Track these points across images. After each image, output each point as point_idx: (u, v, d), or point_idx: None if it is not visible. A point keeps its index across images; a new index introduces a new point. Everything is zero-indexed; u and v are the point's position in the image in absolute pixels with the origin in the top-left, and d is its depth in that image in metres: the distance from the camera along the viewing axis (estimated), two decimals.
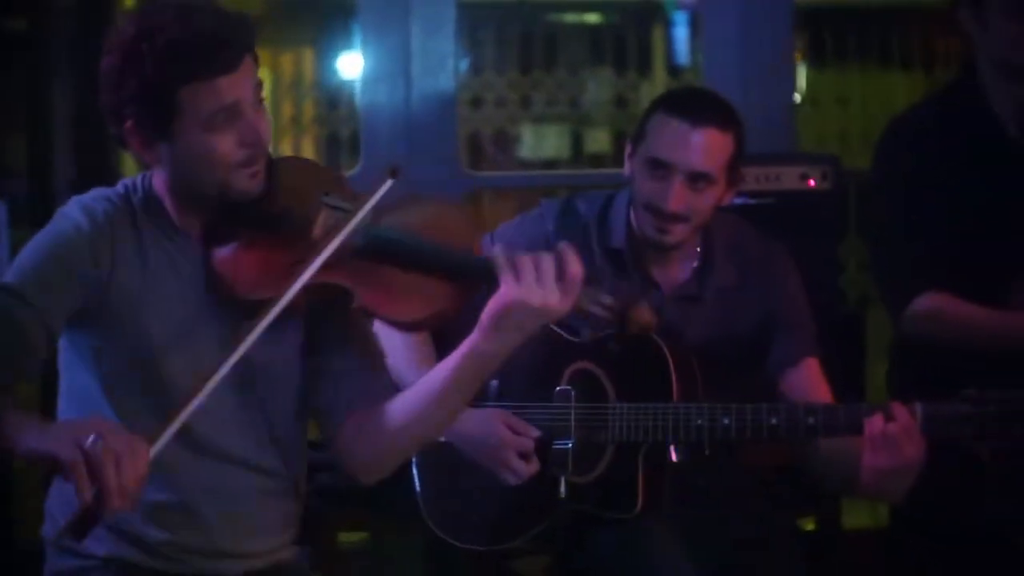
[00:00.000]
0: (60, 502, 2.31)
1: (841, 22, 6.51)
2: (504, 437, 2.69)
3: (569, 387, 2.73)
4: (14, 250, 3.23)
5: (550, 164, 7.00)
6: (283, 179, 2.27)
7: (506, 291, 2.11)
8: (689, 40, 6.87)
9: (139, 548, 2.28)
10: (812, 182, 3.55)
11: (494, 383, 2.77)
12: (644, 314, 2.22)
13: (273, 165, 2.26)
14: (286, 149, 6.10)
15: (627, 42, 6.82)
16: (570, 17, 7.19)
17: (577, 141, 7.08)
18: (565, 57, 6.74)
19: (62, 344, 2.29)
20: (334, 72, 6.60)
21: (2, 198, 3.51)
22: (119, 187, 2.33)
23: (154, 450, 2.01)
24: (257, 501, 2.33)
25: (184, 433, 2.24)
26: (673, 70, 6.91)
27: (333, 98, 6.39)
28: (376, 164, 3.88)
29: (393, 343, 2.55)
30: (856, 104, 6.46)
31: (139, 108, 2.18)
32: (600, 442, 2.71)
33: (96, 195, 2.30)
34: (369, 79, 3.89)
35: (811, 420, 2.57)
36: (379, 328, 2.37)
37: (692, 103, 2.78)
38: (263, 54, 2.31)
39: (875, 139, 3.18)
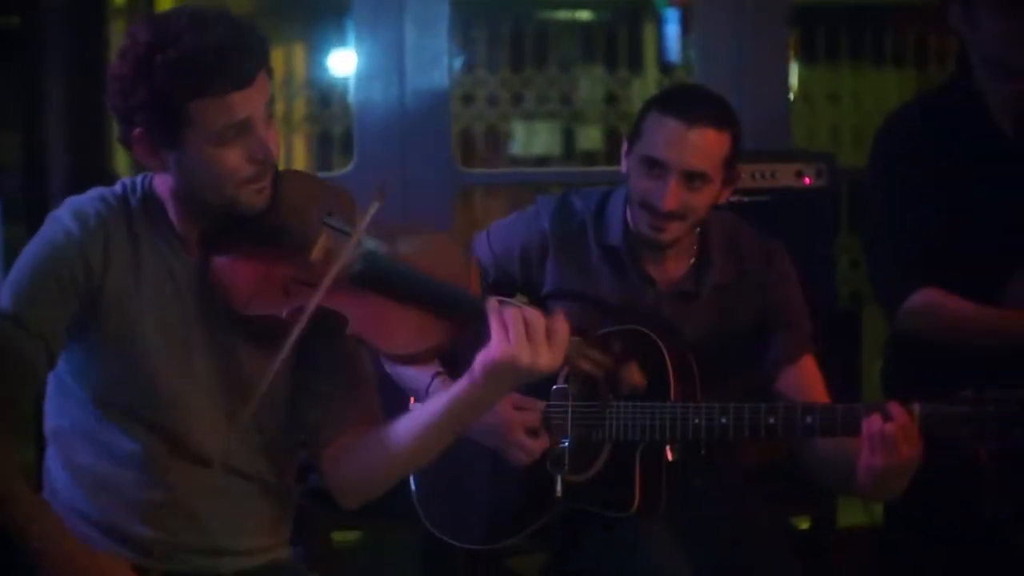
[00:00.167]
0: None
1: (833, 19, 6.51)
2: (509, 416, 2.69)
3: (566, 385, 2.73)
4: (8, 247, 3.23)
5: (542, 161, 6.99)
6: (287, 194, 2.26)
7: (496, 347, 2.13)
8: (680, 37, 6.86)
9: (131, 547, 2.28)
10: (808, 179, 3.55)
11: None
12: (634, 375, 2.26)
13: (278, 178, 2.24)
14: None
15: (618, 39, 6.81)
16: (562, 14, 7.18)
17: (569, 138, 7.07)
18: (556, 54, 6.73)
19: None
20: (325, 69, 6.58)
21: None
22: (117, 187, 2.31)
23: None
24: (248, 502, 2.33)
25: (174, 441, 2.24)
26: (664, 67, 6.90)
27: (324, 96, 6.38)
28: (370, 162, 3.87)
29: None
30: (848, 101, 6.46)
31: (148, 117, 2.15)
32: (597, 441, 2.71)
33: (91, 196, 2.28)
34: (363, 76, 3.88)
35: (809, 420, 2.57)
36: None
37: (688, 102, 2.78)
38: None
39: (867, 137, 3.19)
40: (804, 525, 3.65)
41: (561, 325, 2.16)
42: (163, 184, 2.27)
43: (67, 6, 3.47)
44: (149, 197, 2.29)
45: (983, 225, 3.05)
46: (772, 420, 2.59)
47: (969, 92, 3.10)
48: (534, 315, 2.15)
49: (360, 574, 3.83)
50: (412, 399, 2.76)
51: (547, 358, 2.14)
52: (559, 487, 2.68)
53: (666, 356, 2.69)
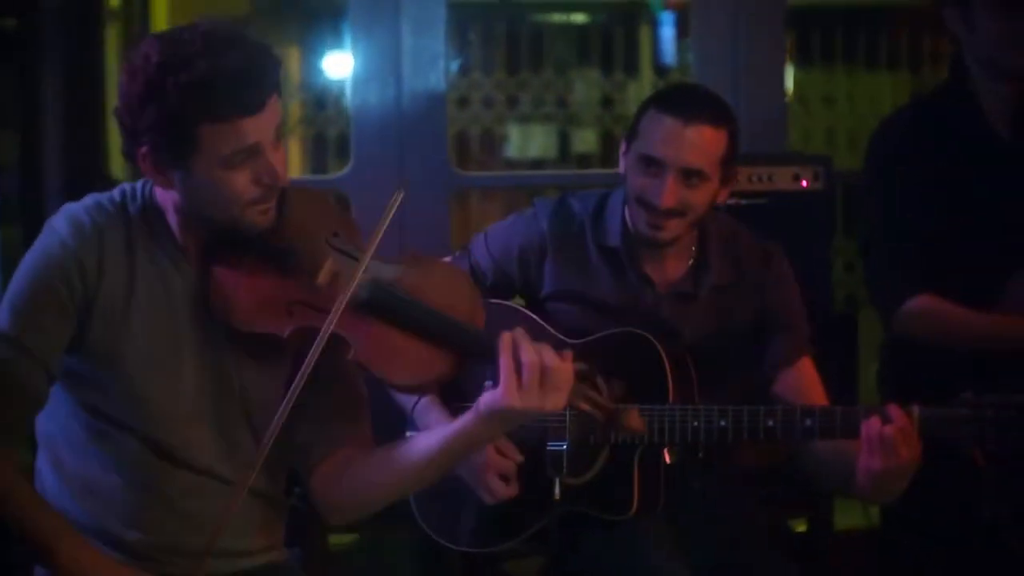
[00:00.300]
0: None
1: (828, 22, 6.53)
2: (488, 457, 2.68)
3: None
4: (5, 248, 3.22)
5: (537, 164, 7.00)
6: (293, 213, 2.23)
7: (507, 393, 2.13)
8: (676, 40, 6.87)
9: (123, 551, 2.26)
10: (805, 182, 3.55)
11: (488, 383, 2.76)
12: (635, 420, 2.26)
13: (284, 197, 2.22)
14: None
15: (614, 42, 6.83)
16: (557, 17, 7.18)
17: (564, 141, 7.08)
18: (552, 57, 6.74)
19: None
20: (320, 72, 6.58)
21: None
22: (115, 193, 2.29)
23: None
24: (241, 506, 2.31)
25: (164, 450, 2.23)
26: (660, 70, 6.91)
27: (320, 99, 6.38)
28: (366, 164, 3.86)
29: None
30: (843, 104, 6.48)
31: (156, 137, 2.12)
32: (595, 443, 2.70)
33: (88, 203, 2.26)
34: (359, 79, 3.87)
35: (808, 422, 2.57)
36: None
37: (684, 100, 2.78)
38: None
39: (862, 139, 3.20)
40: (801, 527, 3.65)
41: (568, 367, 2.15)
42: (165, 193, 2.24)
43: (63, 8, 3.47)
44: (149, 206, 2.26)
45: (980, 227, 3.05)
46: (771, 422, 2.59)
47: (964, 94, 3.11)
48: (552, 359, 2.13)
49: None
50: (407, 432, 2.75)
51: (554, 403, 2.15)
52: (557, 490, 2.69)
53: (664, 358, 2.68)
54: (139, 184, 2.30)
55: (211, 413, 2.26)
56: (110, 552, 2.25)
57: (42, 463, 2.32)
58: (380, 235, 2.17)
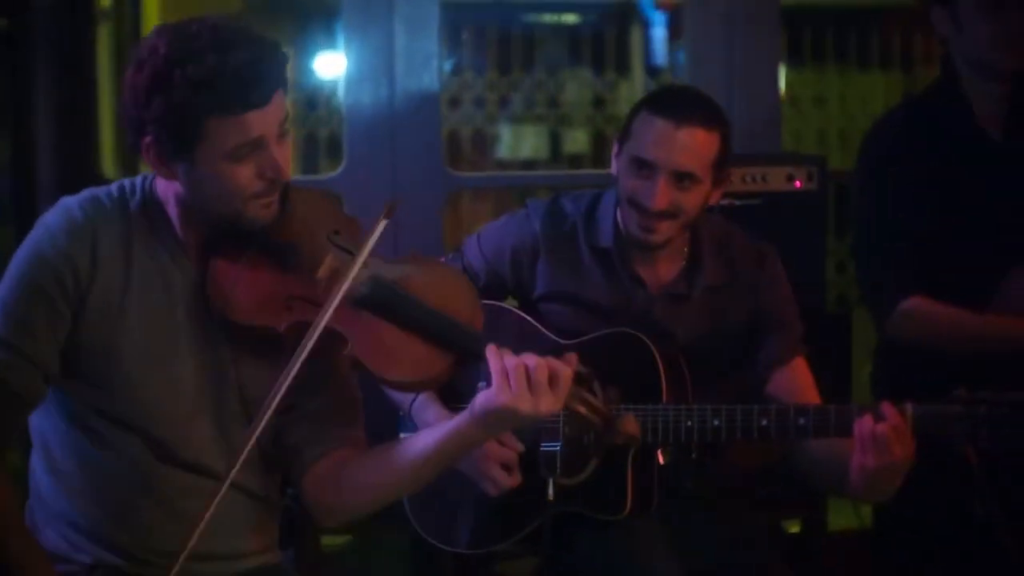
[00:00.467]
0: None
1: (819, 22, 6.53)
2: (488, 448, 2.68)
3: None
4: None
5: (528, 164, 7.00)
6: (295, 210, 2.24)
7: (498, 394, 2.14)
8: (667, 41, 6.88)
9: (117, 552, 2.26)
10: (798, 183, 3.56)
11: (482, 384, 2.75)
12: (630, 425, 2.27)
13: (287, 193, 2.23)
14: None
15: (605, 43, 6.83)
16: (548, 17, 7.18)
17: (555, 141, 7.08)
18: (543, 57, 6.74)
19: None
20: (311, 72, 6.58)
21: None
22: (114, 188, 2.28)
23: None
24: (234, 506, 2.30)
25: (158, 447, 2.23)
26: (651, 70, 6.91)
27: (311, 99, 6.37)
28: (359, 164, 3.86)
29: None
30: (834, 104, 6.48)
31: (161, 129, 2.13)
32: (589, 444, 2.70)
33: (83, 197, 2.25)
34: (352, 79, 3.86)
35: (801, 421, 2.57)
36: None
37: (677, 102, 2.77)
38: None
39: (854, 139, 3.21)
40: (795, 528, 3.65)
41: (566, 369, 2.16)
42: (165, 188, 2.25)
43: (55, 8, 3.47)
44: (149, 200, 2.26)
45: (972, 227, 3.06)
46: (765, 422, 2.59)
47: (955, 95, 3.11)
48: (537, 364, 2.14)
49: None
50: (401, 434, 2.74)
51: (548, 405, 2.15)
52: (551, 490, 2.68)
53: (657, 358, 2.68)
54: (139, 179, 2.30)
55: (210, 410, 2.26)
56: (104, 554, 2.24)
57: (36, 464, 2.31)
58: (378, 232, 2.17)
